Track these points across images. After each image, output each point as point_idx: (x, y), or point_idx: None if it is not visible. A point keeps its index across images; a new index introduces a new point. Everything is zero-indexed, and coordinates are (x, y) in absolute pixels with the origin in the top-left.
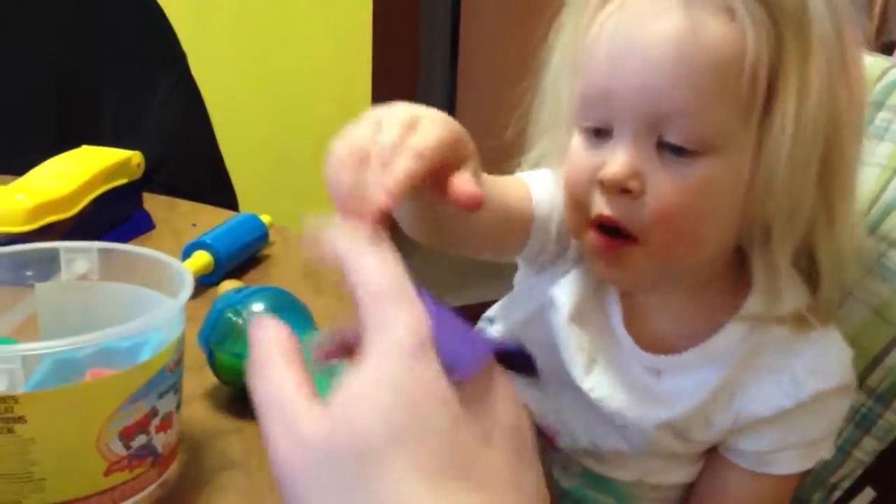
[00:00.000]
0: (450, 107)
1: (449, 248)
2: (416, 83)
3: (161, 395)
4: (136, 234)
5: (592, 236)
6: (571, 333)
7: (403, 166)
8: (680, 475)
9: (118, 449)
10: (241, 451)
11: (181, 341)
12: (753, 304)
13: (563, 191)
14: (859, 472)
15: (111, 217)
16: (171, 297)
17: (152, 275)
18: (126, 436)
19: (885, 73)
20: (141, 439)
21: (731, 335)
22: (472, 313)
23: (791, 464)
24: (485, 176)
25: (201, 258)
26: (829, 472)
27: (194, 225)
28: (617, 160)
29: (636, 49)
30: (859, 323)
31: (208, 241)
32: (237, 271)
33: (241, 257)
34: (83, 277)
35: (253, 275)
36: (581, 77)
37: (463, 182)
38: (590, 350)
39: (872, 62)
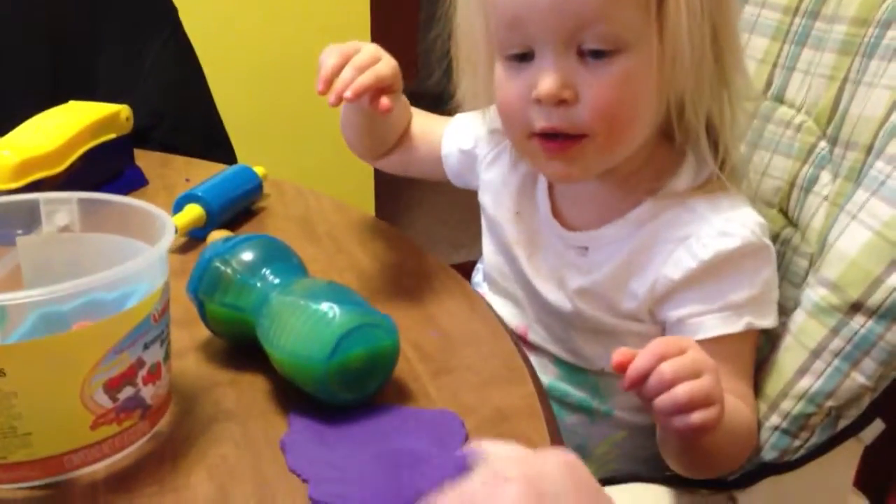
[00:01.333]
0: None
1: (385, 165)
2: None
3: (147, 346)
4: (127, 190)
5: (540, 145)
6: (514, 229)
7: (366, 79)
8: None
9: (104, 401)
10: (236, 402)
11: (166, 290)
12: (678, 181)
13: (500, 117)
14: (866, 400)
15: (101, 173)
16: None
17: (135, 225)
18: (112, 388)
19: None
20: (128, 391)
21: (646, 209)
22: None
23: (715, 326)
24: (415, 111)
25: (192, 211)
26: (825, 394)
27: (188, 180)
28: (547, 77)
29: None
30: (861, 245)
31: (199, 193)
32: (231, 224)
33: (235, 209)
34: (65, 229)
35: (247, 227)
36: (492, 10)
37: (385, 99)
38: (528, 241)
39: None
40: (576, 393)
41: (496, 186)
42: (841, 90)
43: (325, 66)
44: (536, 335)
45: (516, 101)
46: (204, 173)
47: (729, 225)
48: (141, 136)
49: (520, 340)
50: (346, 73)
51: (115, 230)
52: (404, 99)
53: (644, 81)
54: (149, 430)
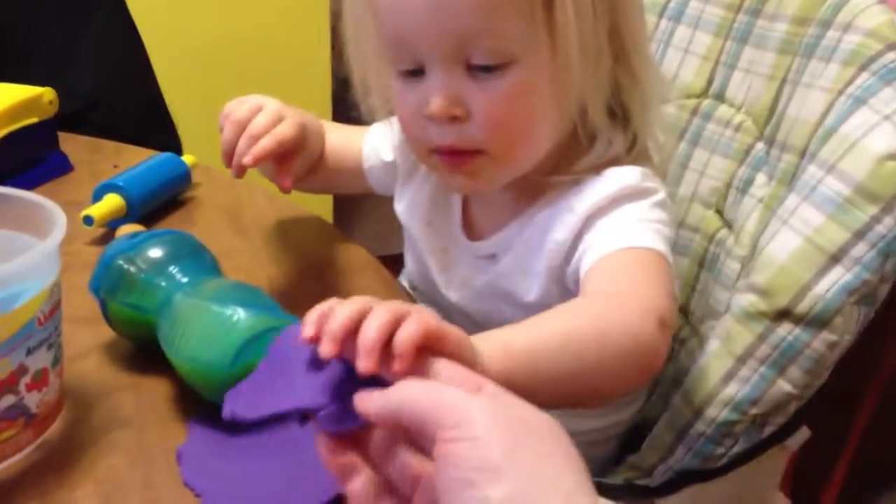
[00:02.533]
0: None
1: (307, 189)
2: None
3: (31, 351)
4: (50, 176)
5: (441, 159)
6: (426, 240)
7: (266, 144)
8: None
9: None
10: (134, 408)
11: (55, 290)
12: (580, 165)
13: (402, 131)
14: (792, 408)
15: (20, 159)
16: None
17: (30, 219)
18: None
19: None
20: (8, 399)
21: (545, 198)
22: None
23: (605, 244)
24: (330, 126)
25: (112, 201)
26: (750, 402)
27: (116, 167)
28: (436, 94)
29: None
30: (791, 251)
31: (120, 182)
32: (155, 215)
33: (159, 200)
34: None
35: (172, 218)
36: (380, 27)
37: (284, 174)
38: (440, 253)
39: None
40: None
41: (411, 195)
42: (780, 90)
43: (222, 139)
44: None
45: (412, 118)
46: (135, 160)
47: (605, 177)
48: (78, 118)
49: None
50: (241, 145)
51: (9, 225)
52: (313, 122)
53: (537, 92)
54: (34, 439)
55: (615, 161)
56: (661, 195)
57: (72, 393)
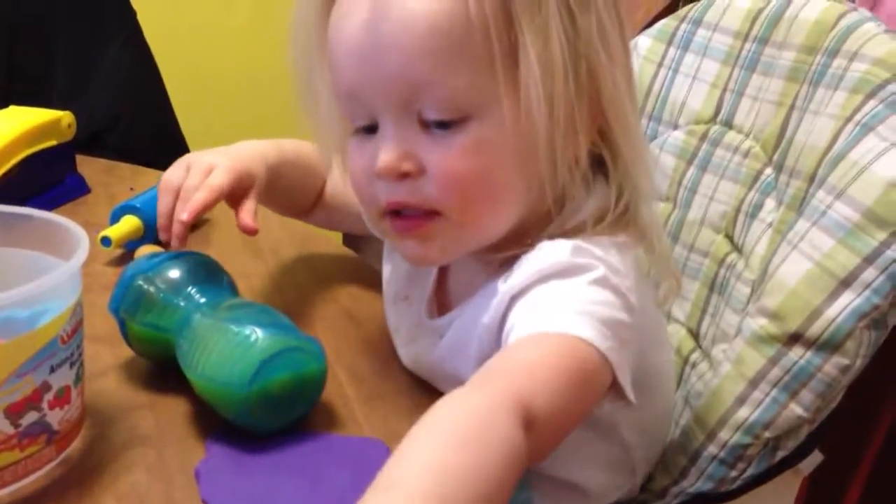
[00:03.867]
0: None
1: (313, 223)
2: None
3: (54, 369)
4: (67, 198)
5: (393, 224)
6: (392, 315)
7: (199, 196)
8: None
9: (5, 427)
10: (153, 426)
11: (77, 310)
12: (551, 229)
13: (354, 193)
14: (805, 432)
15: (39, 181)
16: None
17: (53, 240)
18: (13, 413)
19: (839, 18)
20: (31, 416)
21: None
22: None
23: (525, 324)
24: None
25: (129, 223)
26: (762, 425)
27: (132, 189)
28: (386, 149)
29: (356, 43)
30: (801, 275)
31: (138, 204)
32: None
33: None
34: None
35: (190, 240)
36: (333, 80)
37: (244, 215)
38: (406, 330)
39: (827, 7)
40: None
41: (394, 262)
42: (788, 117)
43: (158, 211)
44: None
45: (362, 177)
46: (150, 182)
47: (536, 252)
48: (95, 139)
49: None
50: (178, 210)
51: (33, 245)
52: (305, 163)
53: (498, 152)
54: (56, 456)
55: (580, 229)
56: (599, 272)
57: (92, 411)
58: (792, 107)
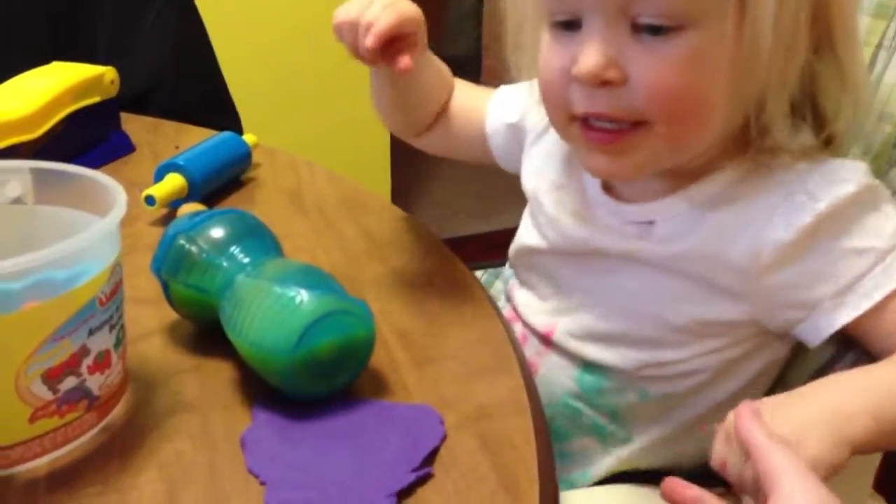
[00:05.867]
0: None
1: (426, 145)
2: (443, 3)
3: (92, 332)
4: (112, 157)
5: (584, 133)
6: (554, 205)
7: (386, 16)
8: (693, 349)
9: (43, 393)
10: (198, 392)
11: (116, 270)
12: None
13: (540, 92)
14: None
15: (83, 138)
16: None
17: (92, 198)
18: (51, 378)
19: None
20: (70, 381)
21: (726, 174)
22: (502, 239)
23: (874, 288)
24: (458, 83)
25: (173, 181)
26: None
27: (177, 147)
28: (589, 53)
29: None
30: None
31: (181, 162)
32: (217, 195)
33: (220, 180)
34: (17, 201)
35: (233, 198)
36: None
37: (405, 58)
38: (573, 214)
39: None
40: (592, 416)
41: (541, 158)
42: (874, 57)
43: (344, 44)
44: (564, 331)
45: (556, 77)
46: (196, 140)
47: (840, 170)
48: (140, 99)
49: (542, 343)
50: (361, 37)
51: (72, 203)
52: (442, 67)
53: (714, 68)
54: (97, 422)
55: (799, 157)
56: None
57: (135, 375)
58: (879, 46)
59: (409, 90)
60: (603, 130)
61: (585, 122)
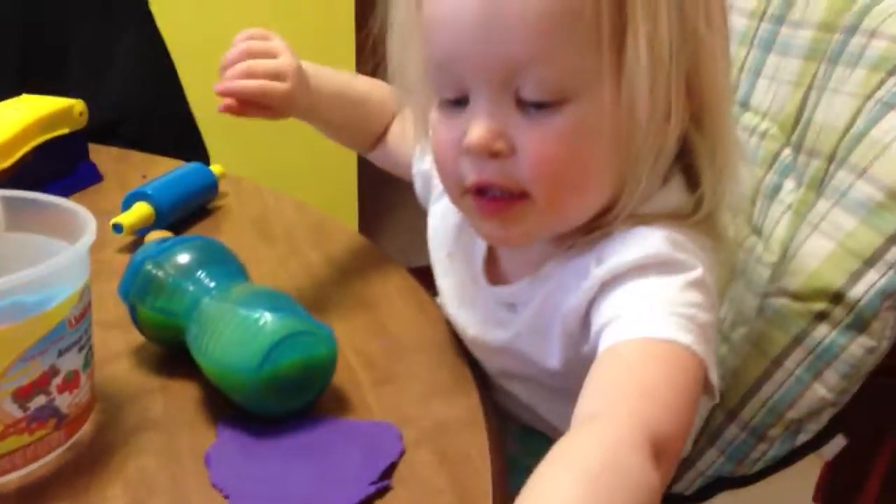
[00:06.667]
0: None
1: (374, 160)
2: None
3: (62, 353)
4: (80, 186)
5: (476, 202)
6: (443, 273)
7: (250, 85)
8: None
9: (13, 411)
10: (163, 410)
11: (85, 293)
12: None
13: (435, 166)
14: (827, 415)
15: (52, 169)
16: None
17: (62, 225)
18: (21, 396)
19: None
20: (39, 400)
21: (575, 249)
22: None
23: (626, 329)
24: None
25: (140, 209)
26: (786, 404)
27: (144, 177)
28: (478, 125)
29: (461, 15)
30: (824, 255)
31: (149, 191)
32: (184, 223)
33: (187, 208)
34: None
35: (200, 227)
36: (424, 50)
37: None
38: (457, 289)
39: None
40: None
41: (437, 218)
42: (806, 97)
43: (227, 56)
44: (497, 392)
45: (448, 151)
46: (163, 170)
47: (631, 237)
48: (108, 130)
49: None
50: (230, 73)
51: (41, 230)
52: (371, 94)
53: (595, 139)
54: (65, 440)
55: (663, 218)
56: (697, 272)
57: (102, 395)
58: (810, 86)
59: (323, 125)
60: (494, 199)
61: (478, 191)
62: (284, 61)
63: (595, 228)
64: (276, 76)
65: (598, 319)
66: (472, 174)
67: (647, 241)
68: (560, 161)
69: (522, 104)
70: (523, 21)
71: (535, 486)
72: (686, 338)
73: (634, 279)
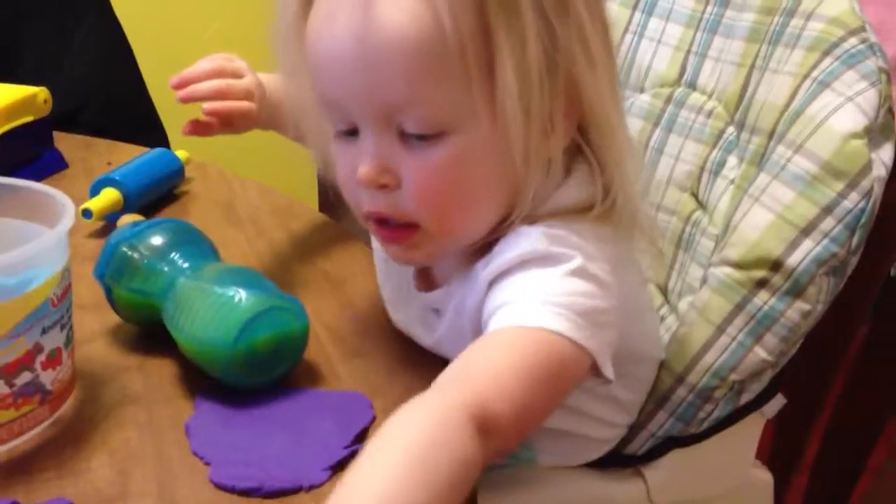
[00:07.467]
0: None
1: None
2: None
3: (45, 331)
4: (46, 173)
5: (376, 229)
6: (381, 273)
7: (218, 107)
8: None
9: (0, 387)
10: (142, 386)
11: (66, 274)
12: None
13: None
14: (768, 376)
15: (17, 156)
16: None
17: (38, 209)
18: (7, 373)
19: None
20: (25, 377)
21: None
22: None
23: (499, 320)
24: None
25: (109, 195)
26: (729, 368)
27: (109, 164)
28: (364, 161)
29: (335, 57)
30: (763, 226)
31: (117, 177)
32: (151, 208)
33: (154, 193)
34: None
35: (168, 211)
36: (314, 86)
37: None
38: (392, 292)
39: None
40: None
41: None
42: (748, 77)
43: (195, 69)
44: None
45: (347, 180)
46: (127, 157)
47: (512, 238)
48: (69, 118)
49: None
50: (202, 89)
51: (17, 214)
52: None
53: (476, 165)
54: (49, 415)
55: (560, 215)
56: (576, 262)
57: (82, 374)
58: (752, 66)
59: (283, 132)
60: (389, 228)
61: (377, 220)
62: (252, 80)
63: (498, 235)
64: (246, 96)
65: (485, 314)
66: (366, 204)
67: (525, 239)
68: (442, 193)
69: (405, 137)
70: (394, 66)
71: (355, 476)
72: (559, 325)
73: (515, 274)
